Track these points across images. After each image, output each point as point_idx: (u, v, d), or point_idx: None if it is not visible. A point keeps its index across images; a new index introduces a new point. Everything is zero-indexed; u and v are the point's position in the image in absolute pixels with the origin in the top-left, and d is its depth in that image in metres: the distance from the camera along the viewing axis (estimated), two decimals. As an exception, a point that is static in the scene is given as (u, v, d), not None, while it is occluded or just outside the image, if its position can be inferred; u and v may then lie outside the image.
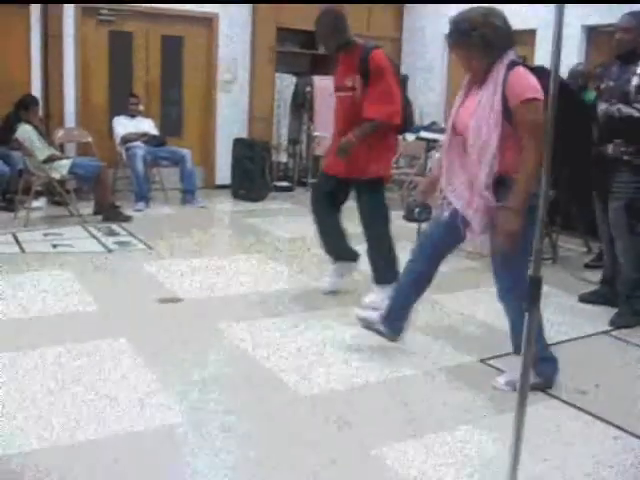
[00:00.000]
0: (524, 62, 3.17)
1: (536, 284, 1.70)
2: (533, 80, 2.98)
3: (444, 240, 3.41)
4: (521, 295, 2.93)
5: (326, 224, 4.56)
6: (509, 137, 2.99)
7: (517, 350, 3.22)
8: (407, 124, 4.44)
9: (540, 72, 3.00)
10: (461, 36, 3.05)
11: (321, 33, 4.33)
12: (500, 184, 3.03)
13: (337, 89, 4.39)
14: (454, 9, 3.27)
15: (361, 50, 4.20)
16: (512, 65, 3.01)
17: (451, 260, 5.63)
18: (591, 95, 5.73)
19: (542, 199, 1.77)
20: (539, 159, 2.72)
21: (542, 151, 2.51)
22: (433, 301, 4.41)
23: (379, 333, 3.61)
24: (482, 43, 3.00)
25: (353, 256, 4.64)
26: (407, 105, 4.40)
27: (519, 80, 2.97)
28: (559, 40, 1.78)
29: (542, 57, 7.26)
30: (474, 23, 3.01)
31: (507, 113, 2.97)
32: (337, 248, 4.62)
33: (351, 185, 4.42)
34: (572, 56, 6.67)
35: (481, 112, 3.01)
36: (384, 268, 4.39)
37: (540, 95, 2.92)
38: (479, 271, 5.46)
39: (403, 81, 4.51)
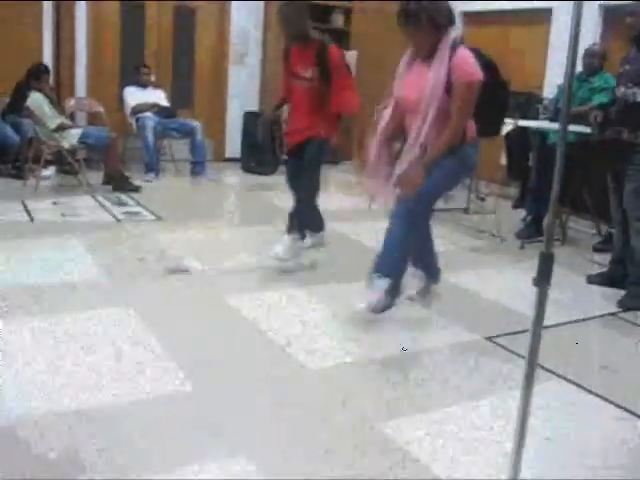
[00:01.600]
0: (462, 42, 3.46)
1: (547, 260, 1.69)
2: (475, 62, 3.33)
3: None
4: (413, 219, 3.54)
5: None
6: (443, 110, 3.34)
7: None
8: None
9: (476, 54, 3.39)
10: (410, 17, 3.32)
11: (287, 20, 4.40)
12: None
13: (294, 76, 4.51)
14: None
15: (318, 44, 4.36)
16: (455, 45, 3.34)
17: (458, 239, 5.66)
18: (606, 78, 5.66)
19: (557, 174, 1.75)
20: (457, 134, 3.37)
21: (461, 127, 3.35)
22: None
23: (389, 306, 3.67)
24: (429, 24, 3.31)
25: (322, 226, 4.80)
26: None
27: (467, 60, 3.32)
28: (578, 21, 1.74)
29: (558, 36, 7.19)
30: (422, 5, 3.30)
31: (447, 89, 3.32)
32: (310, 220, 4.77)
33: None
34: (588, 36, 6.59)
35: (433, 83, 3.33)
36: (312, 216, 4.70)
37: (480, 77, 3.30)
38: (486, 250, 5.47)
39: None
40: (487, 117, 3.49)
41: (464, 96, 3.31)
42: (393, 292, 3.63)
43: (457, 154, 3.44)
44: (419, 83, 3.39)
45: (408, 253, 3.68)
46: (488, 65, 3.41)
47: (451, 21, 3.41)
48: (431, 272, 3.90)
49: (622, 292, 4.37)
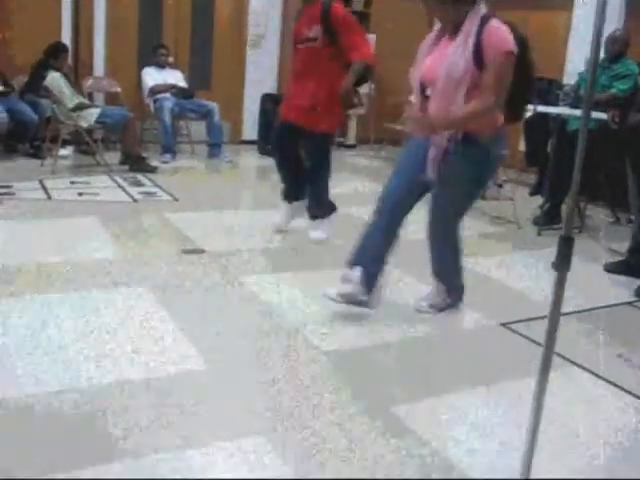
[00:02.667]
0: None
1: (567, 244, 1.67)
2: (509, 34, 3.07)
3: None
4: (449, 231, 3.47)
5: (284, 168, 4.86)
6: (476, 89, 3.09)
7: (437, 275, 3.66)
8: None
9: (510, 28, 3.12)
10: None
11: None
12: (465, 141, 3.17)
13: (297, 42, 4.53)
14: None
15: (322, 3, 4.39)
16: (487, 17, 3.09)
17: (475, 225, 5.62)
18: (628, 64, 5.60)
19: (578, 160, 1.73)
20: (488, 108, 3.10)
21: (496, 105, 3.08)
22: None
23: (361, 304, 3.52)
24: None
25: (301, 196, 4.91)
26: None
27: (499, 32, 3.06)
28: (603, 7, 1.71)
29: (580, 22, 7.11)
30: None
31: (478, 63, 3.06)
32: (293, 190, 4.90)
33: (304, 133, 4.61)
34: (611, 22, 6.51)
35: (452, 59, 3.09)
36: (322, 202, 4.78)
37: (516, 50, 3.04)
38: (502, 236, 5.44)
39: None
40: (512, 100, 3.18)
41: (499, 67, 3.03)
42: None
43: (481, 149, 3.19)
44: (443, 60, 3.17)
45: (457, 265, 3.63)
46: (520, 42, 3.13)
47: None
48: (452, 287, 3.68)
49: (639, 281, 4.34)
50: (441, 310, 3.65)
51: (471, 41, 3.05)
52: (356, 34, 4.38)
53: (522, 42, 3.16)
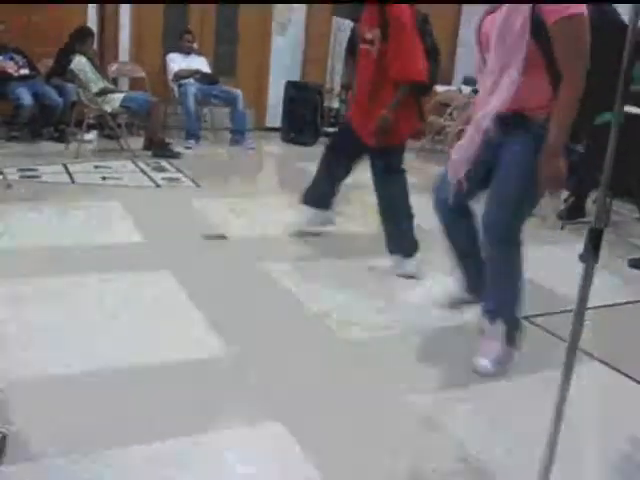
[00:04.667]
0: None
1: (596, 236, 1.64)
2: None
3: None
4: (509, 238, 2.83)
5: (329, 167, 4.45)
6: (535, 64, 2.59)
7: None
8: (431, 82, 4.04)
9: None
10: None
11: None
12: (515, 123, 2.68)
13: (360, 40, 4.03)
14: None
15: (379, 1, 3.84)
16: None
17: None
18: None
19: (609, 154, 1.69)
20: (581, 88, 2.50)
21: (583, 78, 2.45)
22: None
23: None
24: None
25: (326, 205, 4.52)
26: (433, 61, 3.97)
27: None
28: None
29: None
30: None
31: (537, 34, 2.54)
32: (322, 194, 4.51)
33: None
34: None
35: (503, 27, 2.60)
36: (398, 237, 4.10)
37: (585, 11, 2.49)
38: (525, 229, 5.37)
39: (429, 32, 4.00)
40: (596, 86, 2.50)
41: (566, 34, 2.50)
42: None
43: (531, 131, 2.67)
44: (494, 21, 2.67)
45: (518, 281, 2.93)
46: (603, 16, 2.57)
47: None
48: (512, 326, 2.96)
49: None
50: (507, 364, 2.97)
51: (523, 8, 2.55)
52: (405, 43, 3.77)
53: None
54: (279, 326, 3.24)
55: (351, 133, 4.13)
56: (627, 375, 3.02)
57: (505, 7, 2.61)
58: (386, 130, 3.83)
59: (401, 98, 3.83)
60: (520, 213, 2.86)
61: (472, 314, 3.53)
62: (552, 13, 2.50)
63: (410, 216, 4.11)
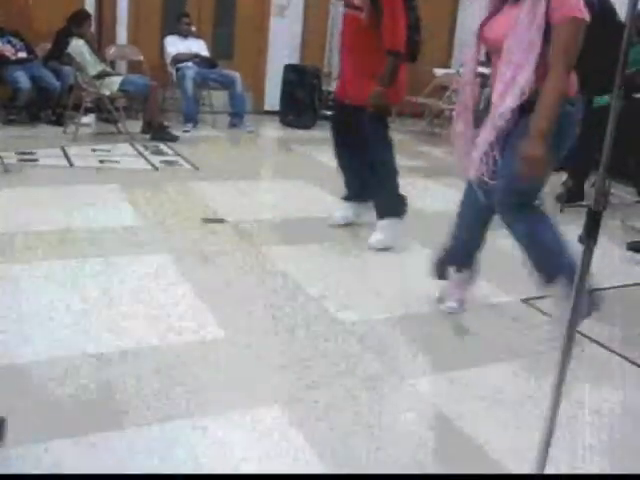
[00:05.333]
0: None
1: (595, 218, 1.64)
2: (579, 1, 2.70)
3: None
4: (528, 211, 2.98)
5: (343, 157, 4.45)
6: (546, 60, 2.73)
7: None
8: (413, 53, 4.18)
9: None
10: None
11: None
12: (524, 110, 2.79)
13: (346, 4, 4.19)
14: None
15: None
16: None
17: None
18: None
19: (608, 137, 1.69)
20: (564, 84, 2.70)
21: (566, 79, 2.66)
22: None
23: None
24: None
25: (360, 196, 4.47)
26: (415, 32, 4.15)
27: None
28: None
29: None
30: None
31: (547, 32, 2.72)
32: (352, 185, 4.47)
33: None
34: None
35: (519, 29, 2.74)
36: (386, 200, 4.24)
37: (585, 16, 2.67)
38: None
39: (414, 7, 4.18)
40: (595, 69, 2.68)
41: (562, 37, 2.68)
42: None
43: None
44: (508, 23, 2.81)
45: (555, 248, 3.03)
46: (603, 5, 2.80)
47: None
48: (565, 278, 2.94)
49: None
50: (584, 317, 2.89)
51: (540, 11, 2.70)
52: (392, 17, 3.95)
53: (604, 5, 2.81)
54: (277, 308, 3.24)
55: (343, 110, 4.29)
56: (625, 357, 3.03)
57: (520, 9, 2.76)
58: (381, 104, 3.98)
59: (390, 69, 3.97)
60: (526, 188, 2.94)
61: (472, 301, 3.54)
62: (558, 12, 2.67)
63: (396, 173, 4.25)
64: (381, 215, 4.24)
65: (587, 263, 1.65)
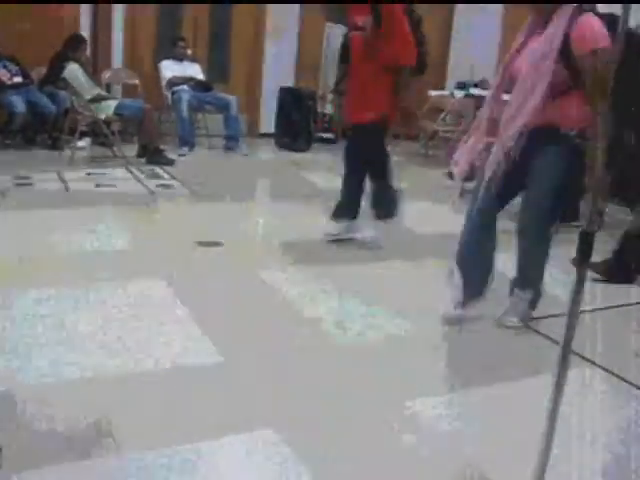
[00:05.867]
0: (593, 10, 3.05)
1: (587, 240, 1.65)
2: (602, 29, 2.91)
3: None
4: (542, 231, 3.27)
5: (349, 181, 4.61)
6: (566, 88, 2.96)
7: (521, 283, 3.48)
8: (421, 65, 4.43)
9: (609, 21, 2.85)
10: None
11: None
12: (548, 136, 3.03)
13: (350, 27, 4.40)
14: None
15: None
16: (580, 10, 2.94)
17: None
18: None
19: (598, 162, 1.70)
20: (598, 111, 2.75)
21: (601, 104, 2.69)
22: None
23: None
24: None
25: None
26: (420, 45, 4.38)
27: (591, 27, 2.92)
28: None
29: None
30: None
31: (566, 59, 2.92)
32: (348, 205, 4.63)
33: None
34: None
35: (534, 55, 2.97)
36: (386, 198, 4.52)
37: (609, 44, 2.82)
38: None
39: (418, 21, 4.43)
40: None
41: (592, 66, 2.85)
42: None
43: (562, 142, 3.04)
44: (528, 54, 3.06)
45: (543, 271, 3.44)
46: (630, 36, 2.81)
47: None
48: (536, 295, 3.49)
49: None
50: (530, 320, 3.49)
51: (557, 38, 2.91)
52: (400, 32, 4.16)
53: (632, 36, 3.19)
54: (273, 331, 3.23)
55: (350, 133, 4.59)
56: (619, 377, 3.02)
57: (537, 40, 2.99)
58: (409, 114, 4.36)
59: (404, 81, 4.24)
60: (550, 212, 3.25)
61: (468, 321, 3.54)
62: (582, 45, 2.89)
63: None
64: (378, 216, 4.53)
65: (581, 284, 1.65)
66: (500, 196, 3.25)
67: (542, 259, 3.39)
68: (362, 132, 4.39)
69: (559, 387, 1.85)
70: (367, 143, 4.42)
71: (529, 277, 3.46)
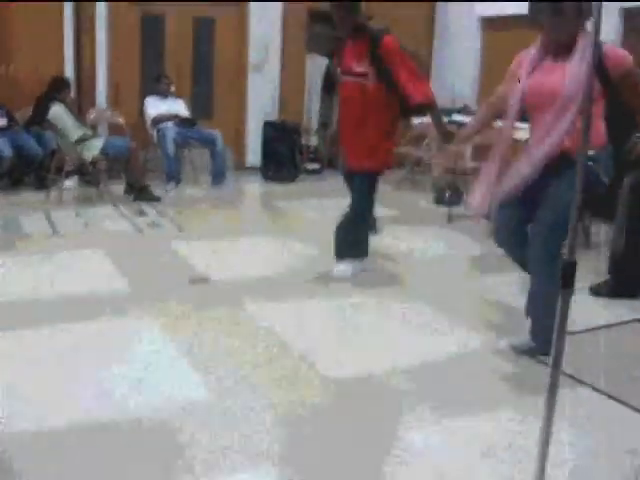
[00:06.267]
0: None
1: (570, 268, 1.67)
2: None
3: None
4: (552, 260, 3.13)
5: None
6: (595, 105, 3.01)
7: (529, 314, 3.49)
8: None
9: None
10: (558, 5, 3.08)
11: (340, 14, 4.21)
12: (562, 164, 3.07)
13: (345, 73, 4.30)
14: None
15: (371, 35, 4.15)
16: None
17: (481, 245, 5.61)
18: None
19: (579, 179, 1.73)
20: None
21: None
22: (457, 285, 4.39)
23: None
24: (578, 11, 3.07)
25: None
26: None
27: (616, 49, 3.15)
28: (597, 26, 1.73)
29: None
30: None
31: (602, 82, 3.04)
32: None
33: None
34: (608, 38, 6.51)
35: (573, 83, 3.02)
36: (360, 243, 4.55)
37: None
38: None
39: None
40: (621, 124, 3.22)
41: (636, 80, 3.10)
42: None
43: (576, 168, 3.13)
44: (553, 80, 3.13)
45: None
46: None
47: (589, 12, 3.05)
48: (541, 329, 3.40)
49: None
50: (522, 353, 3.45)
51: (586, 64, 2.90)
52: (411, 71, 4.13)
53: None
54: (265, 367, 3.23)
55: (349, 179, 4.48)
56: (616, 399, 3.03)
57: (573, 69, 3.06)
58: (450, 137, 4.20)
59: (438, 119, 4.23)
60: (561, 238, 3.22)
61: (459, 348, 3.55)
62: (618, 65, 3.06)
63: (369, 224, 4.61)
64: (342, 255, 4.54)
65: (565, 311, 1.67)
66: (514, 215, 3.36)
67: (551, 292, 3.31)
68: (365, 180, 4.38)
69: (550, 412, 1.86)
70: (366, 190, 4.41)
71: (535, 310, 3.44)
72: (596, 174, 3.14)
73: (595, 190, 3.14)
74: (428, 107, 4.23)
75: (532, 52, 3.29)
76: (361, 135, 4.26)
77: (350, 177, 4.48)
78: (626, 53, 3.13)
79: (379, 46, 4.08)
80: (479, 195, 3.39)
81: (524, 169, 3.17)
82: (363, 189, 4.39)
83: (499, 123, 3.46)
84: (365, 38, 4.15)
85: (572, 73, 3.06)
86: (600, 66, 2.99)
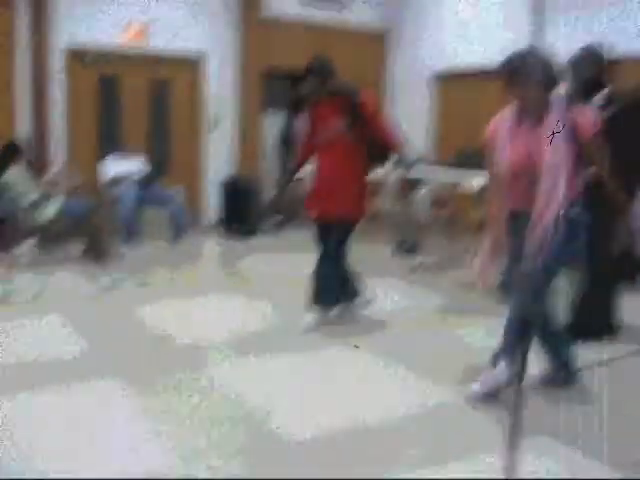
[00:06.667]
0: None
1: (527, 331, 1.70)
2: (593, 113, 3.44)
3: None
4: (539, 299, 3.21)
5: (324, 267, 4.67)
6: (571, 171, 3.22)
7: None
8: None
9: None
10: (522, 74, 3.23)
11: (316, 79, 4.43)
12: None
13: (324, 129, 4.46)
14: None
15: (347, 93, 4.40)
16: (570, 101, 3.33)
17: (452, 294, 5.63)
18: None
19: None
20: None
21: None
22: (422, 337, 4.40)
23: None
24: (544, 80, 3.22)
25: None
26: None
27: (587, 117, 3.29)
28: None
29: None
30: (534, 62, 3.24)
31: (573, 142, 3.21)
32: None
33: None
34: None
35: (553, 151, 3.18)
36: (333, 291, 4.70)
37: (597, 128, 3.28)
38: (478, 301, 5.44)
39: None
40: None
41: (599, 147, 3.29)
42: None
43: (567, 218, 3.25)
44: (531, 146, 3.26)
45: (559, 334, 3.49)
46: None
47: (559, 77, 3.32)
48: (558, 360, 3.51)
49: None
50: (554, 384, 3.51)
51: (565, 131, 3.18)
52: (385, 124, 4.52)
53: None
54: (228, 431, 3.17)
55: (327, 228, 4.56)
56: (578, 448, 3.04)
57: (540, 133, 3.22)
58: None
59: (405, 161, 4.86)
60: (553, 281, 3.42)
61: (427, 401, 3.55)
62: (587, 130, 3.22)
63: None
64: (316, 303, 4.66)
65: (524, 362, 1.69)
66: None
67: (548, 326, 3.33)
68: (345, 228, 4.55)
69: (512, 464, 1.87)
70: (344, 238, 4.59)
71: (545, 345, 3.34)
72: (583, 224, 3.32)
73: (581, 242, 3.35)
74: (402, 151, 4.67)
75: (507, 118, 3.39)
76: (342, 187, 4.44)
77: (326, 228, 4.57)
78: (594, 120, 3.29)
79: (358, 102, 4.35)
80: (483, 265, 3.55)
81: (538, 237, 3.23)
82: (342, 238, 4.56)
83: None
84: (341, 96, 4.40)
85: (550, 140, 3.18)
86: (572, 131, 3.19)
